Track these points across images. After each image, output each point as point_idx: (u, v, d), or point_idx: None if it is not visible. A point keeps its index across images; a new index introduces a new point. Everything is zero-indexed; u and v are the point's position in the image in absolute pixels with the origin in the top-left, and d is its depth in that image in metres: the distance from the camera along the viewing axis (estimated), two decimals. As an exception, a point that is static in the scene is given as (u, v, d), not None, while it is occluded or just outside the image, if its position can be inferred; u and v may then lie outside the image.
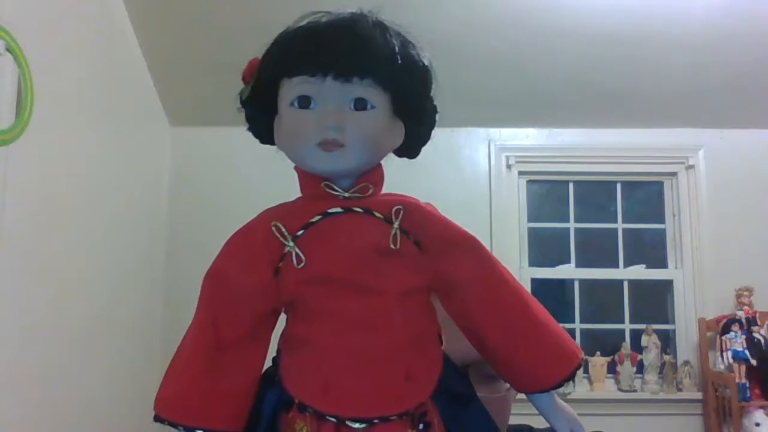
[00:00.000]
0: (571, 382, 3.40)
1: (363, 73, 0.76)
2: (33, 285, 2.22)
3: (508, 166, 3.59)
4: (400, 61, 0.78)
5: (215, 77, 3.19)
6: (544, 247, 3.72)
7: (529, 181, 3.69)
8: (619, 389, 3.44)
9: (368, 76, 0.76)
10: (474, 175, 3.57)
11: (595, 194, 3.78)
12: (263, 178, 3.38)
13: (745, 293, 3.36)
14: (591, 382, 3.45)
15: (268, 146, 0.85)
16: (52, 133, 2.29)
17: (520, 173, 3.64)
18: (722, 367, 3.29)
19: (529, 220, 3.65)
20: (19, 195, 2.07)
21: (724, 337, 3.30)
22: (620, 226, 3.70)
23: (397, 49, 0.78)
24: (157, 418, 0.75)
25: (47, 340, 2.31)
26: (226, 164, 3.53)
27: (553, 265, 3.70)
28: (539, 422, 1.08)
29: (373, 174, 0.81)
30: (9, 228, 2.02)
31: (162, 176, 3.49)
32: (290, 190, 0.85)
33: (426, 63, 0.81)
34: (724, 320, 3.33)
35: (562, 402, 0.83)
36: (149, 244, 3.31)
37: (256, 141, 0.85)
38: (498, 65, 3.16)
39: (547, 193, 3.80)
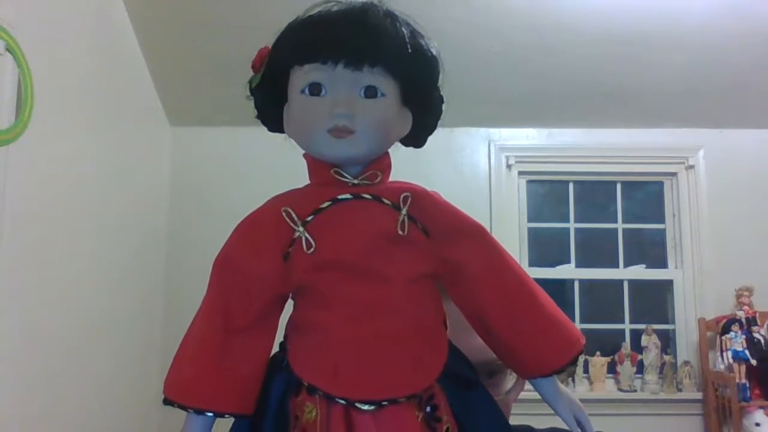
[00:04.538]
0: (570, 381, 3.36)
1: (373, 61, 0.77)
2: (33, 284, 2.22)
3: (508, 166, 3.60)
4: (410, 50, 0.79)
5: (215, 77, 3.21)
6: (544, 247, 3.73)
7: (529, 181, 3.69)
8: (619, 389, 3.44)
9: (379, 64, 0.77)
10: (474, 175, 3.58)
11: (595, 194, 3.78)
12: (263, 177, 3.38)
13: (745, 293, 3.36)
14: (591, 382, 3.45)
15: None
16: (52, 133, 2.29)
17: (520, 173, 3.65)
18: (722, 367, 3.29)
19: (529, 220, 3.65)
20: (19, 195, 2.07)
21: (724, 337, 3.30)
22: (620, 226, 3.70)
23: (407, 38, 0.79)
24: (167, 401, 0.76)
25: (48, 340, 2.31)
26: (226, 164, 3.54)
27: (553, 265, 3.70)
28: (540, 423, 1.09)
29: (381, 162, 0.82)
30: (9, 228, 2.02)
31: (162, 176, 3.49)
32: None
33: (434, 52, 0.82)
34: (724, 320, 3.34)
35: (565, 388, 0.84)
36: (149, 244, 3.31)
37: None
38: (498, 65, 3.16)
39: (547, 193, 3.80)
